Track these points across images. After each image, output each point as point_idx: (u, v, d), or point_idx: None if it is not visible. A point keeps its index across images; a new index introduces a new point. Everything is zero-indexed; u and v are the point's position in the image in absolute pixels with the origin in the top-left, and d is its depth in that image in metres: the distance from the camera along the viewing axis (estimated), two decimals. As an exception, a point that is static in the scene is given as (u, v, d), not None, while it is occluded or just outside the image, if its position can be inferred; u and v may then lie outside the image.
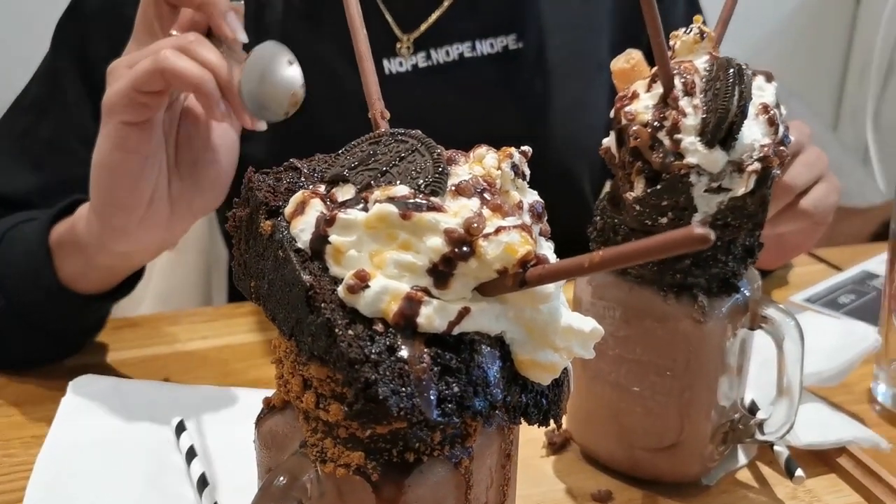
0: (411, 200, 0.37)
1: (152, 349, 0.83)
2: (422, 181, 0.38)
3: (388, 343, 0.35)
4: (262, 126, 0.64)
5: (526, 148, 0.42)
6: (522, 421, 0.40)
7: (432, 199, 0.37)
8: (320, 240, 0.37)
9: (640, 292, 0.57)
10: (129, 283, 0.76)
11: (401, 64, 0.92)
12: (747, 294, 0.57)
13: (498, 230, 0.36)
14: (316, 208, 0.39)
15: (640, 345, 0.57)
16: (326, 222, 0.37)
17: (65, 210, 0.73)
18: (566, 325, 0.38)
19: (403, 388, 0.35)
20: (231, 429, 0.66)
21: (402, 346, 0.35)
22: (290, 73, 0.61)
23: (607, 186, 0.62)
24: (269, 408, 0.43)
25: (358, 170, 0.40)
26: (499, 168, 0.40)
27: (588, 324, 0.39)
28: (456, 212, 0.37)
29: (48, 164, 0.84)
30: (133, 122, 0.62)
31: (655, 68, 0.55)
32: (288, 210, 0.39)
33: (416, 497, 0.39)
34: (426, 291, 0.36)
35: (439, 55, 0.93)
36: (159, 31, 0.66)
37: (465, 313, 0.36)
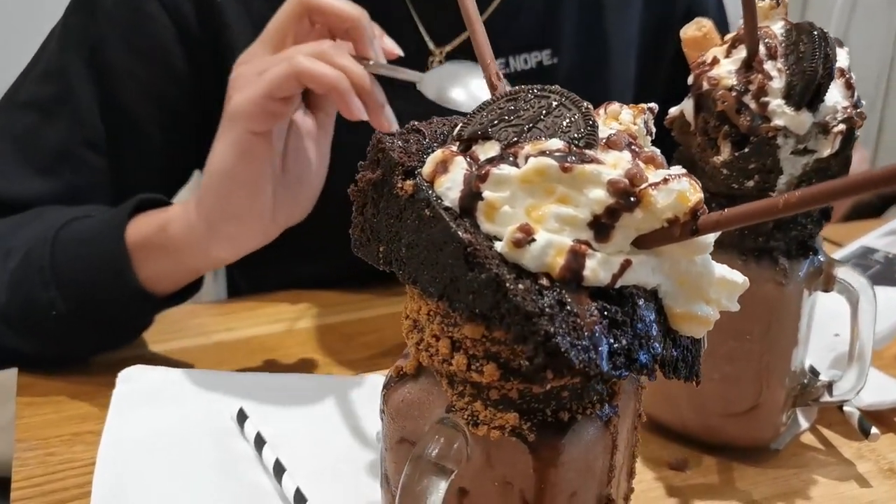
0: (567, 153, 0.36)
1: (178, 342, 0.81)
2: (575, 134, 0.37)
3: (557, 297, 0.34)
4: (394, 127, 0.63)
5: (653, 105, 0.41)
6: (673, 377, 0.39)
7: (587, 151, 0.37)
8: (471, 196, 0.36)
9: (721, 257, 0.56)
10: (197, 282, 0.75)
11: None
12: (822, 258, 0.58)
13: (666, 179, 0.35)
14: (461, 166, 0.38)
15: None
16: (479, 178, 0.36)
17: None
18: (719, 276, 0.38)
19: (579, 341, 0.34)
20: (292, 414, 0.65)
21: (571, 300, 0.35)
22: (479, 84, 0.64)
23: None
24: (399, 375, 0.42)
25: (500, 126, 0.39)
26: (635, 124, 0.40)
27: (738, 275, 0.39)
28: (614, 164, 0.36)
29: (57, 170, 0.81)
30: (260, 130, 0.61)
31: (730, 35, 0.56)
32: (427, 170, 0.38)
33: (572, 458, 0.38)
34: (587, 244, 0.35)
35: None
36: (290, 45, 0.65)
37: (626, 266, 0.36)
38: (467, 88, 0.67)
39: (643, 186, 0.35)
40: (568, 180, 0.36)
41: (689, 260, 0.37)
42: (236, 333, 0.83)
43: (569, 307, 0.34)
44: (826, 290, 0.58)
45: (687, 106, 0.57)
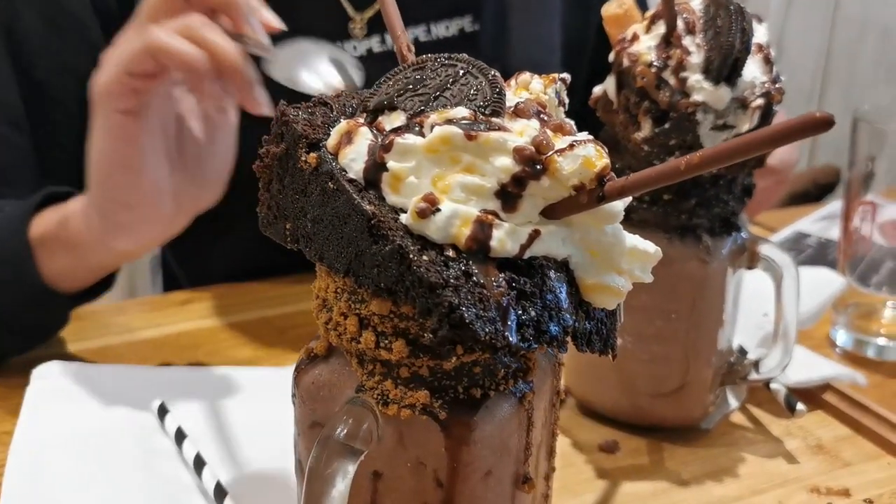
0: (473, 122, 0.35)
1: (102, 340, 0.78)
2: (481, 102, 0.36)
3: (462, 268, 0.33)
4: (267, 111, 0.60)
5: (566, 75, 0.41)
6: (587, 349, 0.38)
7: (494, 120, 0.36)
8: (376, 168, 0.35)
9: (645, 235, 0.56)
10: (108, 279, 0.72)
11: (355, 48, 0.89)
12: (745, 235, 0.58)
13: (572, 145, 0.34)
14: (365, 136, 0.36)
15: (644, 290, 0.56)
16: (383, 148, 0.35)
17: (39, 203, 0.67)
18: (631, 246, 0.37)
19: (486, 313, 0.33)
20: (216, 408, 0.63)
21: (478, 271, 0.34)
22: (329, 69, 0.62)
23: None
24: (310, 357, 0.40)
25: (406, 96, 0.38)
26: (545, 93, 0.39)
27: (650, 245, 0.38)
28: (521, 131, 0.35)
29: None
30: (126, 109, 0.58)
31: (650, 11, 0.55)
32: (331, 142, 0.37)
33: (485, 435, 0.37)
34: (494, 214, 0.35)
35: None
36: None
37: (535, 236, 0.35)
38: (318, 72, 0.64)
39: (549, 154, 0.34)
40: (473, 149, 0.35)
41: (600, 230, 0.37)
42: (164, 329, 0.81)
43: (475, 278, 0.33)
44: (750, 268, 0.59)
45: (609, 84, 0.56)
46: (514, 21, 0.96)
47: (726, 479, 0.57)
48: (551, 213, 0.36)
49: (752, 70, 0.53)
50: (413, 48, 0.43)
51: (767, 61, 0.54)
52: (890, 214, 0.79)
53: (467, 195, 0.35)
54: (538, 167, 0.34)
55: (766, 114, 0.52)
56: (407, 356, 0.36)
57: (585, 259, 0.37)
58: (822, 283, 0.76)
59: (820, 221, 1.13)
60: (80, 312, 0.84)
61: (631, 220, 0.56)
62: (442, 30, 0.93)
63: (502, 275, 0.34)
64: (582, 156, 0.34)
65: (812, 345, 0.79)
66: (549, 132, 0.36)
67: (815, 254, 1.03)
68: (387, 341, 0.36)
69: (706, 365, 0.59)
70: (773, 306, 0.70)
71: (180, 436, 0.57)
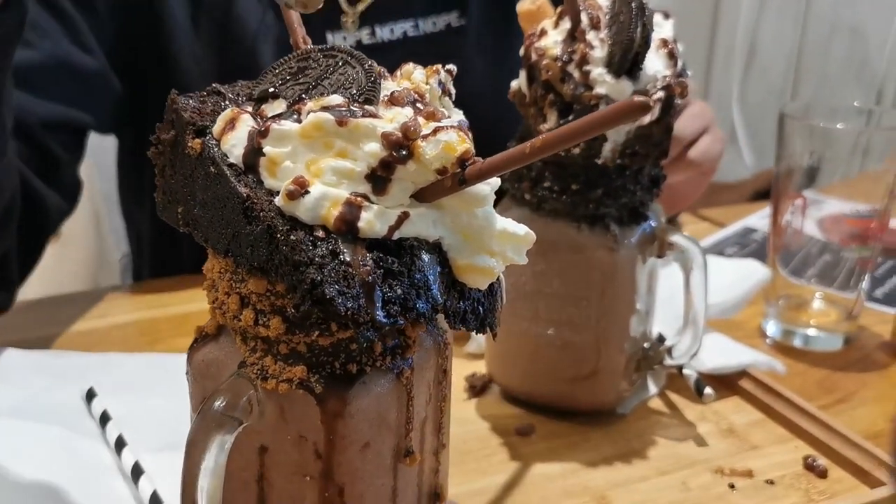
0: (346, 108, 0.37)
1: (47, 330, 0.79)
2: (355, 90, 0.38)
3: (330, 247, 0.35)
4: None
5: (451, 66, 0.42)
6: (461, 328, 0.40)
7: (367, 107, 0.37)
8: (254, 153, 0.37)
9: (555, 225, 0.58)
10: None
11: (344, 39, 0.92)
12: (654, 224, 0.60)
13: (436, 130, 0.36)
14: (247, 123, 0.38)
15: (556, 277, 0.59)
16: (260, 134, 0.37)
17: None
18: (501, 228, 0.39)
19: (349, 290, 0.35)
20: (143, 392, 0.64)
21: (345, 250, 0.35)
22: None
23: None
24: (202, 336, 0.42)
25: (288, 85, 0.39)
26: (427, 83, 0.41)
27: (521, 228, 0.40)
28: (391, 118, 0.37)
29: None
30: None
31: (561, 7, 0.57)
32: (216, 128, 0.39)
33: (360, 408, 0.39)
34: (365, 197, 0.36)
35: (384, 32, 0.93)
36: None
37: (404, 218, 0.37)
38: None
39: (415, 140, 0.36)
40: (345, 134, 0.36)
41: (470, 213, 0.38)
42: (109, 321, 0.82)
43: (342, 257, 0.35)
44: (660, 256, 0.60)
45: (521, 78, 0.58)
46: (499, 13, 0.98)
47: (635, 461, 0.59)
48: (422, 196, 0.37)
49: (655, 64, 0.55)
50: (309, 40, 0.44)
51: (672, 56, 0.56)
52: (829, 210, 0.81)
53: (339, 178, 0.36)
54: (404, 152, 0.36)
55: (668, 106, 0.54)
56: (283, 333, 0.37)
57: (457, 241, 0.39)
58: (747, 274, 0.78)
59: (768, 217, 1.16)
60: (23, 305, 0.86)
61: (542, 209, 0.58)
62: (430, 25, 0.95)
63: (370, 255, 0.36)
64: (444, 141, 0.36)
65: (743, 335, 0.81)
66: (420, 119, 0.38)
67: (761, 248, 1.05)
68: (265, 318, 0.38)
69: (618, 351, 0.61)
70: (696, 296, 0.72)
71: (105, 418, 0.59)
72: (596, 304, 0.59)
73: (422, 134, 0.36)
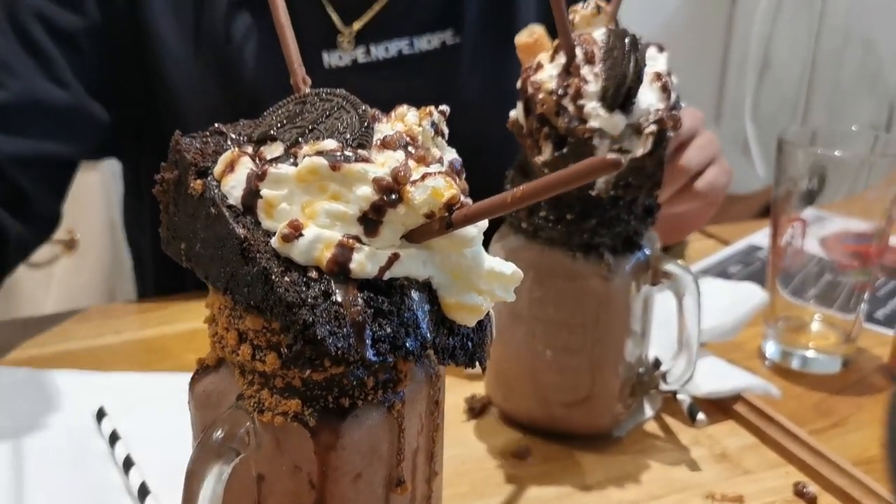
0: (340, 153, 0.39)
1: (62, 345, 0.82)
2: (349, 135, 0.40)
3: (323, 288, 0.37)
4: None
5: (444, 107, 0.44)
6: (451, 363, 0.42)
7: (360, 151, 0.39)
8: (252, 195, 0.39)
9: (551, 254, 0.60)
10: None
11: (340, 58, 0.94)
12: (648, 252, 0.61)
13: (424, 176, 0.38)
14: (246, 165, 0.40)
15: (552, 304, 0.60)
16: (258, 177, 0.38)
17: None
18: (489, 268, 0.41)
19: (340, 329, 0.36)
20: (153, 411, 0.66)
21: (337, 291, 0.37)
22: None
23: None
24: (203, 368, 0.44)
25: (286, 128, 0.41)
26: (420, 125, 0.42)
27: (509, 267, 0.41)
28: (383, 163, 0.39)
29: None
30: None
31: (557, 41, 0.58)
32: (217, 169, 0.40)
33: (352, 441, 0.40)
34: (357, 239, 0.38)
35: (379, 51, 0.95)
36: None
37: (394, 259, 0.38)
38: None
39: (404, 184, 0.38)
40: (338, 178, 0.38)
41: (459, 253, 0.40)
42: (121, 337, 0.84)
43: (334, 297, 0.37)
44: (653, 284, 0.62)
45: (519, 109, 0.59)
46: (492, 31, 1.00)
47: (628, 485, 0.60)
48: (412, 237, 0.39)
49: (648, 98, 0.56)
50: (309, 81, 0.46)
51: (665, 89, 0.57)
52: (832, 228, 0.82)
53: (332, 221, 0.38)
54: (394, 196, 0.38)
55: (660, 139, 0.55)
56: (279, 368, 0.39)
57: (446, 280, 0.40)
58: (745, 297, 0.79)
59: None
60: (39, 320, 0.88)
61: (539, 238, 0.60)
62: (424, 43, 0.97)
63: (361, 295, 0.37)
64: (431, 186, 0.37)
65: (742, 356, 0.82)
66: (412, 163, 0.39)
67: (764, 267, 1.05)
68: (261, 354, 0.39)
69: (613, 377, 0.62)
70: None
71: (114, 438, 0.61)
72: (591, 330, 0.60)
73: (411, 179, 0.38)
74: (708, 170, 0.81)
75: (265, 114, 0.43)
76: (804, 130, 0.84)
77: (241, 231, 0.38)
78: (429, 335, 0.39)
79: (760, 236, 1.15)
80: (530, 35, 0.60)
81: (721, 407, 0.69)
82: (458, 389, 0.70)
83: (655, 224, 0.63)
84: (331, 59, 0.94)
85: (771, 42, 2.52)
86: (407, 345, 0.38)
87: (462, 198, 0.39)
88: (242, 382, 0.41)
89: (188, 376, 0.70)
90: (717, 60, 2.70)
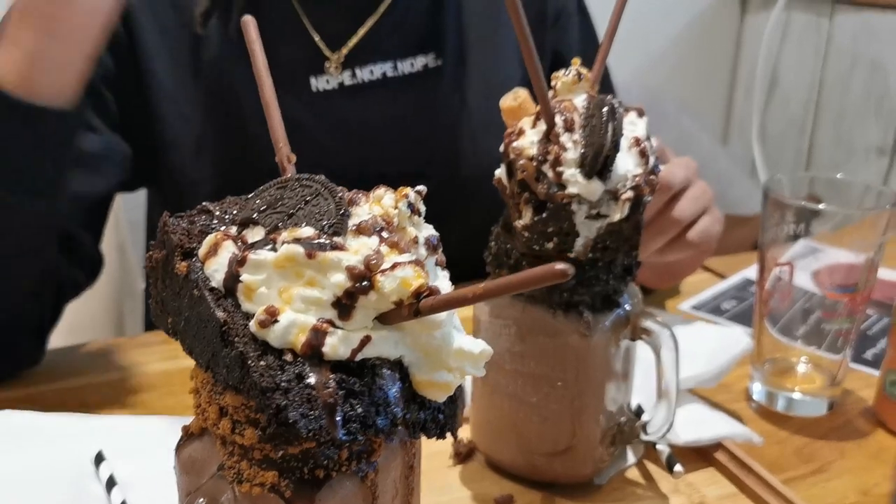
0: (316, 241, 0.41)
1: (67, 381, 0.84)
2: (325, 223, 0.42)
3: (296, 371, 0.39)
4: None
5: (421, 187, 0.46)
6: (422, 435, 0.44)
7: (335, 238, 0.41)
8: (233, 279, 0.41)
9: (532, 310, 0.62)
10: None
11: (327, 81, 0.97)
12: (628, 308, 0.63)
13: (394, 266, 0.40)
14: (228, 249, 0.42)
15: (533, 359, 0.62)
16: (238, 263, 0.41)
17: None
18: (458, 347, 0.43)
19: (312, 412, 0.38)
20: (151, 456, 0.68)
21: (310, 374, 0.39)
22: None
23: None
24: (188, 435, 0.46)
25: (267, 213, 0.43)
26: (396, 207, 0.44)
27: (478, 346, 0.43)
28: (357, 250, 0.41)
29: None
30: None
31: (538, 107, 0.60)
32: (202, 251, 0.43)
33: (327, 510, 0.42)
34: (331, 323, 0.40)
35: (364, 74, 0.98)
36: None
37: (366, 341, 0.40)
38: None
39: (375, 273, 0.40)
40: (314, 265, 0.40)
41: (429, 335, 0.42)
42: (127, 372, 0.87)
43: (307, 380, 0.39)
44: (633, 340, 0.63)
45: (503, 171, 0.62)
46: (472, 55, 1.03)
47: (605, 534, 0.62)
48: (384, 319, 0.41)
49: (627, 163, 0.58)
50: (294, 159, 0.48)
51: (643, 154, 0.59)
52: (825, 260, 0.83)
53: (307, 305, 0.40)
54: (366, 283, 0.40)
55: (636, 204, 0.57)
56: (257, 441, 0.41)
57: (418, 358, 0.42)
58: (730, 344, 0.80)
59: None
60: (47, 353, 0.91)
61: (521, 295, 0.62)
62: (407, 66, 1.00)
63: (334, 376, 0.40)
64: (400, 277, 0.39)
65: (730, 398, 0.83)
66: (385, 248, 0.41)
67: (757, 303, 1.07)
68: (241, 428, 0.41)
69: (593, 427, 0.64)
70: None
71: (111, 483, 0.63)
72: (570, 384, 0.62)
73: (381, 268, 0.40)
74: (701, 219, 0.84)
75: (251, 195, 0.45)
76: (785, 181, 0.85)
77: (220, 314, 0.40)
78: (399, 412, 0.41)
79: (755, 270, 1.16)
80: (515, 98, 0.62)
81: (702, 454, 0.71)
82: (446, 434, 0.72)
83: (649, 270, 0.65)
84: (318, 83, 0.97)
85: (778, 63, 2.53)
86: (377, 423, 0.40)
87: (433, 283, 0.41)
88: (223, 453, 0.43)
89: (186, 420, 0.73)
90: (726, 80, 2.71)
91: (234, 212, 0.46)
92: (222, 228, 0.45)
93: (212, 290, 0.41)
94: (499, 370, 0.64)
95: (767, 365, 0.84)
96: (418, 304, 0.40)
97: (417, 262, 0.40)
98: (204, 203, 0.47)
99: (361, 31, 0.97)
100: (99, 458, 0.66)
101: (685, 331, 0.85)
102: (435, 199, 0.92)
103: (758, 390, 0.83)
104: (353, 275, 0.40)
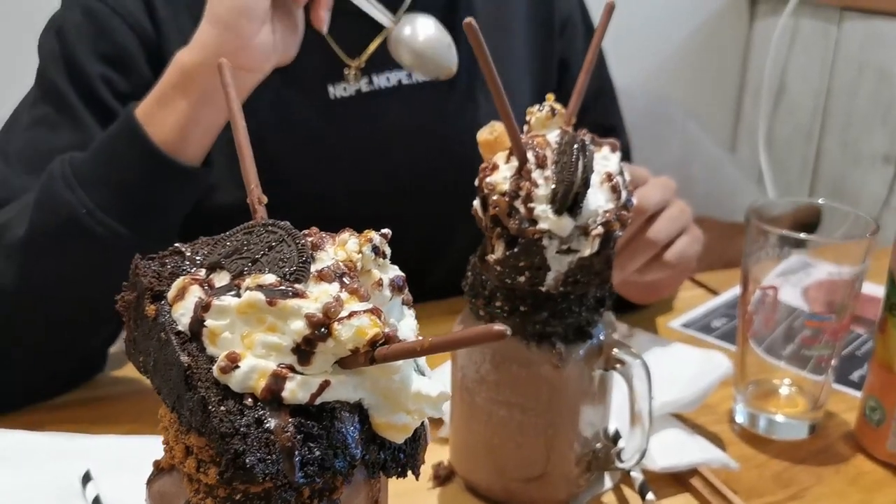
0: (277, 288, 0.42)
1: (59, 397, 0.86)
2: (287, 269, 0.43)
3: (256, 416, 0.40)
4: (324, 29, 0.85)
5: (386, 231, 0.47)
6: (383, 475, 0.45)
7: (296, 285, 0.43)
8: (198, 323, 0.42)
9: (507, 341, 0.62)
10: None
11: (345, 89, 0.99)
12: (602, 338, 0.64)
13: (351, 315, 0.41)
14: (195, 294, 0.43)
15: (508, 388, 0.64)
16: (203, 308, 0.42)
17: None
18: (416, 391, 0.44)
19: (269, 456, 0.40)
20: (137, 477, 0.70)
21: (270, 418, 0.40)
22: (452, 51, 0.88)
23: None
24: (159, 469, 0.48)
25: (233, 258, 0.45)
26: (360, 251, 0.46)
27: (435, 389, 0.45)
28: (317, 297, 0.42)
29: None
30: None
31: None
32: (171, 295, 0.44)
33: (288, 546, 0.44)
34: (291, 368, 0.41)
35: (381, 80, 1.00)
36: None
37: (325, 385, 0.42)
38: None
39: (333, 321, 0.41)
40: (275, 312, 0.42)
41: (388, 378, 0.43)
42: (123, 388, 0.89)
43: (266, 425, 0.40)
44: (606, 370, 0.64)
45: (477, 204, 0.63)
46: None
47: (579, 560, 0.63)
48: (343, 364, 0.43)
49: (598, 199, 0.59)
50: (265, 200, 0.50)
51: (615, 190, 0.60)
52: (817, 276, 0.84)
53: (268, 351, 0.42)
54: (324, 331, 0.41)
55: (606, 240, 0.58)
56: (220, 481, 0.43)
57: (377, 401, 0.44)
58: (710, 368, 0.81)
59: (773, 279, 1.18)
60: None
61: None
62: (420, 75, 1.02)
63: (292, 420, 0.41)
64: (356, 326, 0.41)
65: (714, 419, 0.84)
66: (345, 295, 0.43)
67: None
68: (205, 467, 0.43)
69: (567, 455, 0.65)
70: (657, 391, 0.76)
71: (96, 503, 0.65)
72: (543, 413, 0.63)
73: (339, 316, 0.41)
74: (678, 240, 0.84)
75: (221, 236, 0.46)
76: (770, 205, 0.86)
77: (185, 359, 0.42)
78: (357, 454, 0.43)
79: (749, 287, 1.17)
80: (491, 132, 0.63)
81: (679, 479, 0.72)
82: (428, 455, 0.73)
83: (632, 287, 0.66)
84: (336, 90, 0.99)
85: (786, 70, 2.52)
86: (336, 465, 0.42)
87: (390, 329, 0.42)
88: (190, 489, 0.45)
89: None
90: (734, 86, 2.70)
91: (205, 253, 0.48)
92: (192, 270, 0.46)
93: (178, 333, 0.43)
94: (475, 396, 0.65)
95: (751, 387, 0.85)
96: (374, 352, 0.41)
97: (374, 311, 0.42)
98: (176, 244, 0.48)
99: (379, 39, 0.99)
100: (86, 478, 0.68)
101: (666, 354, 0.86)
102: (447, 204, 0.96)
103: (740, 412, 0.84)
104: (311, 322, 0.41)
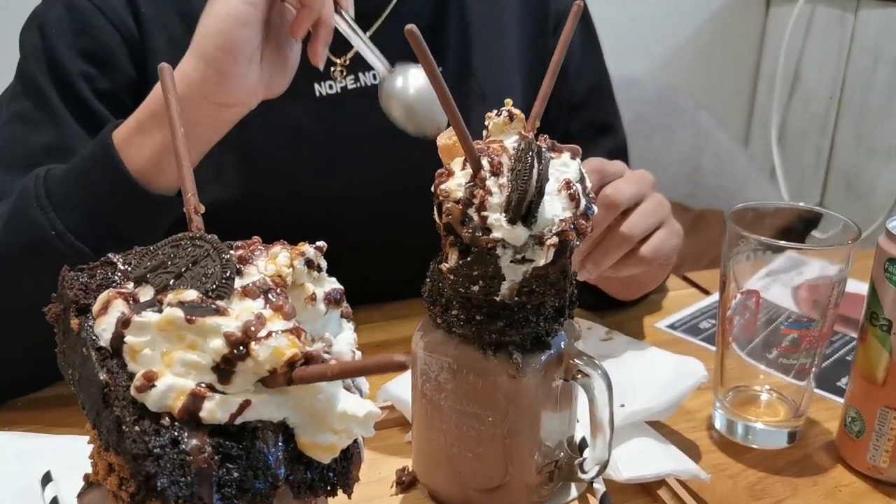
0: (198, 305, 0.41)
1: (23, 397, 0.85)
2: (209, 285, 0.42)
3: (172, 436, 0.39)
4: (321, 65, 0.82)
5: (321, 243, 0.46)
6: (311, 495, 0.44)
7: (218, 302, 0.42)
8: (119, 339, 0.41)
9: (465, 349, 0.62)
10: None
11: (331, 87, 0.98)
12: (562, 347, 0.63)
13: (269, 334, 0.40)
14: (118, 309, 0.43)
15: (465, 396, 0.63)
16: (123, 324, 0.41)
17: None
18: (343, 410, 0.43)
19: (183, 478, 0.39)
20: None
21: (186, 439, 0.40)
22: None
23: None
24: (88, 484, 0.47)
25: (158, 272, 0.44)
26: (291, 266, 0.45)
27: (364, 408, 0.43)
28: (238, 314, 0.41)
29: (47, 163, 0.85)
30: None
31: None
32: (95, 309, 0.43)
33: (213, 566, 0.43)
34: (211, 387, 0.41)
35: (367, 78, 0.99)
36: None
37: (246, 405, 0.41)
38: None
39: (252, 340, 0.40)
40: (194, 330, 0.41)
41: (313, 397, 0.42)
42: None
43: (182, 446, 0.39)
44: (566, 380, 0.63)
45: (435, 211, 0.61)
46: (474, 62, 1.03)
47: (536, 573, 0.62)
48: (266, 383, 0.42)
49: (555, 207, 0.57)
50: (203, 208, 0.49)
51: (573, 198, 0.58)
52: (809, 274, 0.81)
53: (187, 370, 0.41)
54: (243, 350, 0.40)
55: (562, 250, 0.57)
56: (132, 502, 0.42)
57: (302, 420, 0.43)
58: (685, 374, 0.79)
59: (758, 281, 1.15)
60: None
61: (454, 334, 0.62)
62: None
63: (211, 441, 0.40)
64: (273, 346, 0.40)
65: (691, 426, 0.83)
66: (269, 312, 0.42)
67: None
68: (127, 484, 0.42)
69: (527, 464, 0.64)
70: (630, 398, 0.74)
71: (54, 505, 0.65)
72: (500, 424, 0.62)
73: (257, 336, 0.40)
74: (655, 234, 0.82)
75: (151, 248, 0.46)
76: (748, 210, 0.84)
77: (103, 376, 0.41)
78: (280, 475, 0.42)
79: (742, 285, 1.15)
80: (450, 136, 0.61)
81: (645, 489, 0.70)
82: (390, 463, 0.72)
83: (615, 283, 0.64)
84: (322, 88, 0.98)
85: (801, 60, 2.47)
86: (255, 486, 0.41)
87: (312, 349, 0.41)
88: (115, 505, 0.44)
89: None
90: (749, 76, 2.66)
91: (135, 264, 0.47)
92: (121, 283, 0.46)
93: (99, 349, 0.42)
94: (434, 405, 0.64)
95: (731, 393, 0.83)
96: (291, 373, 0.40)
97: (294, 331, 0.41)
98: (108, 255, 0.47)
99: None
100: (46, 479, 0.68)
101: (641, 359, 0.84)
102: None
103: (719, 419, 0.82)
104: (230, 341, 0.40)
